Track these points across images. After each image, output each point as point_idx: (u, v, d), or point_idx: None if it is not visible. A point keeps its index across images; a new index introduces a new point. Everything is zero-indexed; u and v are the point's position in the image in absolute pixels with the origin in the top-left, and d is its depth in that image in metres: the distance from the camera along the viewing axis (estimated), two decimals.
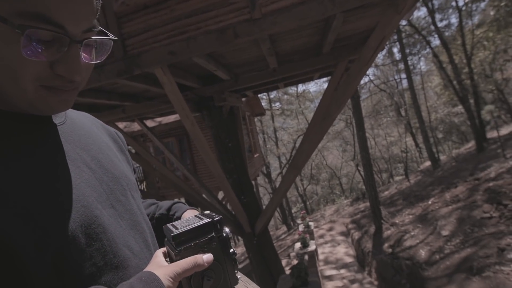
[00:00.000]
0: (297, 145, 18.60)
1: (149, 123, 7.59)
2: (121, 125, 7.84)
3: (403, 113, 16.60)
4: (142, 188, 9.16)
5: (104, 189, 0.47)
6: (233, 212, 4.74)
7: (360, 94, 12.01)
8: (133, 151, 8.54)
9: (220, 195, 9.71)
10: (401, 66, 16.27)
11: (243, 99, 7.11)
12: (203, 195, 5.95)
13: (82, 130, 0.52)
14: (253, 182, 10.49)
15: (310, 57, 4.16)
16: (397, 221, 8.00)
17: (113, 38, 0.44)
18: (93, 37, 0.40)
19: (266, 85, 5.57)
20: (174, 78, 3.17)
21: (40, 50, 0.35)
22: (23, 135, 0.42)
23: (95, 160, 0.49)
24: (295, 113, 19.65)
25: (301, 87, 19.08)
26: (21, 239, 0.34)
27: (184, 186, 5.67)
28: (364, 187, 13.54)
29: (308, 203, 23.01)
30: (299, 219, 11.75)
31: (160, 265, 0.42)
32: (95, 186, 0.46)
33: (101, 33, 0.42)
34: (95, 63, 0.44)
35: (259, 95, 11.89)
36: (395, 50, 18.05)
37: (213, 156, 3.81)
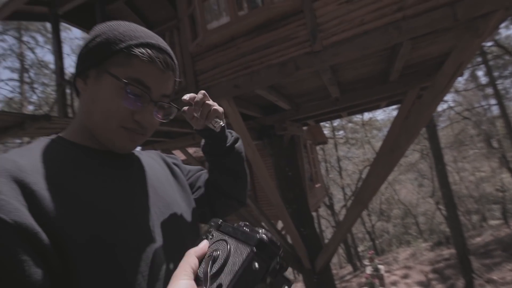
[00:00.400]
0: (364, 176, 17.33)
1: None
2: (190, 150, 8.58)
3: (495, 144, 14.10)
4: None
5: (155, 211, 0.57)
6: (292, 244, 4.57)
7: (437, 122, 10.73)
8: None
9: (280, 224, 9.51)
10: (489, 90, 14.15)
11: (304, 127, 7.10)
12: (262, 223, 5.93)
13: (147, 166, 0.66)
14: (314, 214, 10.04)
15: (375, 85, 3.98)
16: (495, 278, 6.55)
17: (177, 107, 0.64)
18: (163, 102, 0.58)
19: (328, 114, 5.49)
20: (238, 108, 3.39)
21: (131, 101, 0.53)
22: (110, 162, 0.57)
23: (152, 187, 0.61)
24: (360, 142, 18.56)
25: (367, 115, 18.15)
26: (79, 235, 0.42)
27: (243, 212, 5.77)
28: (447, 229, 11.62)
29: (377, 242, 20.70)
30: (367, 260, 10.59)
31: None
32: (149, 208, 0.57)
33: (172, 101, 0.62)
34: (161, 121, 0.61)
35: (321, 123, 11.71)
36: (480, 73, 15.90)
37: (272, 184, 3.83)
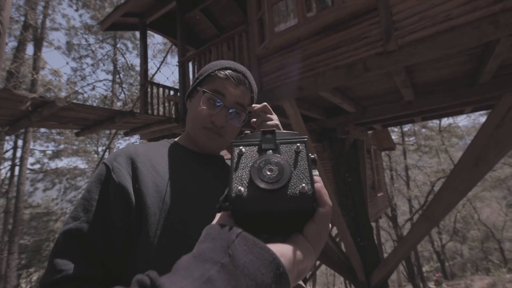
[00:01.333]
0: (436, 189, 15.36)
1: None
2: None
3: None
4: None
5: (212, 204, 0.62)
6: (347, 254, 4.34)
7: None
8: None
9: (334, 230, 9.10)
10: None
11: (370, 132, 6.63)
12: None
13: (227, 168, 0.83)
14: (373, 224, 9.36)
15: (459, 87, 3.48)
16: None
17: (247, 113, 0.76)
18: (234, 110, 0.72)
19: (398, 119, 5.01)
20: (300, 109, 3.35)
21: (209, 105, 0.71)
22: (201, 160, 0.76)
23: (223, 185, 0.72)
24: (435, 151, 16.46)
25: (446, 120, 16.00)
26: (151, 201, 0.61)
27: None
28: None
29: (446, 264, 18.18)
30: (432, 283, 9.41)
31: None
32: (207, 198, 0.68)
33: (245, 110, 0.76)
34: (234, 124, 0.74)
35: (389, 128, 10.77)
36: None
37: (330, 190, 3.69)
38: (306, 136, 0.35)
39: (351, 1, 2.60)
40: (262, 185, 0.29)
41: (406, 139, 16.80)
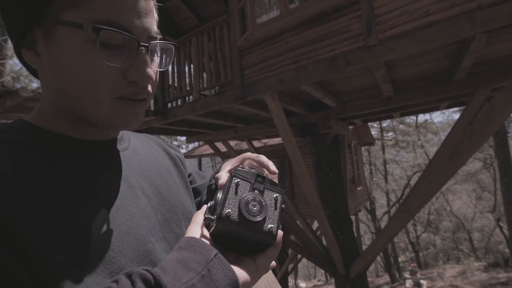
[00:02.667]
0: (412, 183, 16.02)
1: (256, 143, 8.17)
2: (232, 143, 8.75)
3: None
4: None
5: (158, 219, 0.44)
6: (327, 247, 4.40)
7: (508, 129, 9.39)
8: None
9: (315, 225, 9.27)
10: None
11: (350, 127, 6.75)
12: (297, 221, 5.82)
13: (143, 156, 0.51)
14: (353, 218, 9.61)
15: (436, 84, 3.57)
16: None
17: (173, 43, 0.44)
18: (156, 42, 0.40)
19: (378, 114, 5.11)
20: (282, 104, 3.31)
21: (112, 55, 0.36)
22: (86, 158, 0.40)
23: (153, 187, 0.47)
24: (412, 146, 17.13)
25: (422, 117, 16.65)
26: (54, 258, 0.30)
27: None
28: (507, 250, 10.22)
29: (421, 254, 19.12)
30: (407, 273, 9.85)
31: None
32: (150, 216, 0.43)
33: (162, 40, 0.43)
34: (160, 70, 0.44)
35: (369, 123, 11.04)
36: None
37: (311, 184, 3.70)
38: (284, 191, 0.42)
39: None
40: (245, 215, 0.36)
41: (385, 134, 17.36)
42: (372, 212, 16.24)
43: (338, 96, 4.01)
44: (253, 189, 0.40)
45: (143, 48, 0.38)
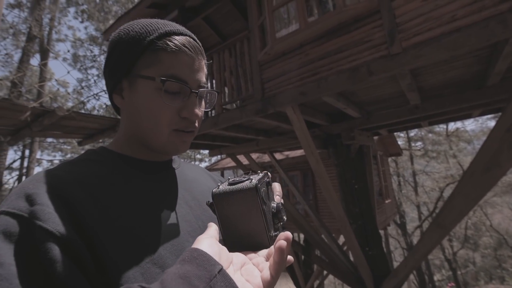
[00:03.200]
0: (445, 195, 15.06)
1: (278, 156, 8.13)
2: (254, 155, 8.77)
3: None
4: None
5: (199, 225, 0.55)
6: (355, 264, 4.20)
7: None
8: None
9: (341, 239, 8.94)
10: None
11: (375, 137, 6.55)
12: (322, 236, 5.64)
13: (189, 176, 0.65)
14: (381, 232, 9.15)
15: (467, 90, 3.39)
16: None
17: (216, 91, 0.61)
18: (204, 90, 0.55)
19: (404, 124, 4.92)
20: (303, 115, 3.29)
21: (172, 99, 0.51)
22: (159, 173, 0.57)
23: (195, 200, 0.59)
24: (443, 156, 16.21)
25: (453, 125, 15.78)
26: (114, 250, 0.40)
27: (303, 222, 5.58)
28: None
29: (459, 272, 17.68)
30: None
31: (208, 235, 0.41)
32: (191, 221, 0.54)
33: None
34: (206, 110, 0.59)
35: (395, 133, 10.62)
36: None
37: (336, 197, 3.59)
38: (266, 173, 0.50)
39: (352, 5, 2.56)
40: (230, 183, 0.44)
41: (413, 144, 16.60)
42: (402, 226, 15.38)
43: (362, 106, 3.92)
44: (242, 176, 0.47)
45: (194, 94, 0.52)
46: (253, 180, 0.43)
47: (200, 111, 0.55)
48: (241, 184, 0.42)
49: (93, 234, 0.39)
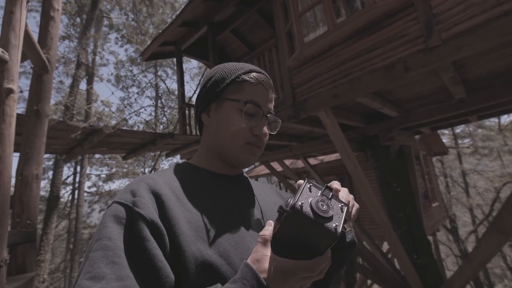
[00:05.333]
0: (502, 196, 13.56)
1: (312, 161, 7.97)
2: (287, 162, 8.70)
3: None
4: None
5: (259, 228, 0.62)
6: (402, 273, 3.93)
7: None
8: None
9: (385, 246, 8.44)
10: None
11: (417, 136, 6.15)
12: (364, 243, 5.36)
13: (258, 189, 0.75)
14: (430, 238, 8.48)
15: None
16: None
17: (280, 119, 0.73)
18: (272, 115, 0.68)
19: (448, 120, 4.56)
20: (337, 118, 3.21)
21: (249, 118, 0.64)
22: (229, 184, 0.68)
23: (258, 209, 0.68)
24: (496, 152, 14.68)
25: (506, 117, 14.27)
26: (187, 239, 0.49)
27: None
28: None
29: None
30: None
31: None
32: (252, 225, 0.62)
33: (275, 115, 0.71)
34: (271, 133, 0.71)
35: (439, 131, 9.86)
36: None
37: (377, 201, 3.41)
38: (347, 204, 0.51)
39: (383, 0, 2.47)
40: (315, 209, 0.43)
41: (460, 141, 15.27)
42: (453, 231, 14.09)
43: (399, 104, 3.72)
44: (322, 195, 0.48)
45: (265, 117, 0.66)
46: (337, 226, 0.43)
47: (267, 131, 0.67)
48: (326, 221, 0.43)
49: (174, 224, 0.50)
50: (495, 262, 16.29)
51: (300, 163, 8.49)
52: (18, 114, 2.02)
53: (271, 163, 6.00)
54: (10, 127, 1.35)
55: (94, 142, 3.23)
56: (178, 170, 0.66)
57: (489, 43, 2.02)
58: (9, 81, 1.41)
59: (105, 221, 0.48)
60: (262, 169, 9.70)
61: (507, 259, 15.57)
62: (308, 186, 0.48)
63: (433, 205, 7.96)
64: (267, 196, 0.75)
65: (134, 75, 15.19)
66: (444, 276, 7.39)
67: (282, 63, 3.44)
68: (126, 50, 18.64)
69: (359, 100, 2.90)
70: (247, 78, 0.65)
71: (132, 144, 3.85)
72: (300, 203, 0.43)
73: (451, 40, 2.14)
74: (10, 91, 1.40)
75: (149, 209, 0.49)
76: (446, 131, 14.48)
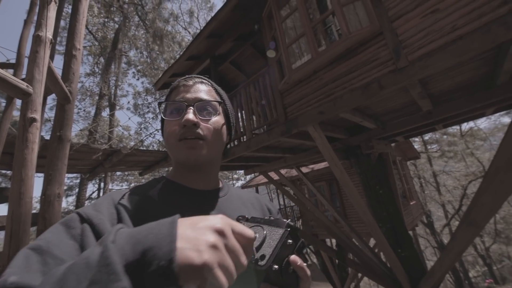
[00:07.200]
0: (468, 192, 13.45)
1: (304, 169, 7.90)
2: (283, 171, 8.62)
3: None
4: (298, 226, 9.27)
5: None
6: (388, 265, 3.78)
7: None
8: (291, 192, 9.02)
9: (372, 242, 8.23)
10: None
11: (393, 144, 6.13)
12: (353, 240, 5.21)
13: (234, 203, 0.61)
14: (411, 233, 8.29)
15: (478, 91, 3.08)
16: None
17: (218, 100, 0.59)
18: (200, 102, 0.57)
19: (419, 129, 4.56)
20: (324, 132, 3.18)
21: (174, 114, 0.56)
22: (193, 198, 0.56)
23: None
24: (460, 155, 14.68)
25: (466, 125, 14.36)
26: None
27: (333, 228, 5.23)
28: None
29: (495, 268, 15.22)
30: None
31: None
32: None
33: (213, 102, 0.59)
34: (208, 119, 0.57)
35: (411, 139, 9.87)
36: None
37: (363, 203, 3.33)
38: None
39: (356, 31, 2.51)
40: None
41: (429, 147, 15.30)
42: (430, 225, 13.85)
43: (377, 117, 3.72)
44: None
45: (190, 107, 0.55)
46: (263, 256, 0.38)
47: (195, 117, 0.54)
48: (275, 229, 0.40)
49: None
50: (467, 250, 15.91)
51: (294, 172, 8.41)
52: (44, 139, 1.97)
53: (269, 173, 5.93)
54: (33, 152, 1.30)
55: (114, 162, 3.17)
56: (150, 186, 0.56)
57: (448, 63, 2.03)
58: (32, 111, 1.38)
59: (53, 225, 0.42)
60: (261, 179, 9.59)
61: (478, 247, 15.22)
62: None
63: (411, 203, 7.84)
64: (245, 204, 0.63)
65: (150, 103, 15.32)
66: (425, 266, 7.18)
67: (274, 87, 3.46)
68: (142, 82, 18.88)
69: (342, 115, 2.88)
70: (172, 87, 0.59)
71: (147, 162, 3.79)
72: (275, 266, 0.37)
73: (417, 62, 2.15)
74: (33, 120, 1.36)
75: (102, 222, 0.42)
76: (416, 139, 14.51)
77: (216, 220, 0.30)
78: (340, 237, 5.11)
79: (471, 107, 3.15)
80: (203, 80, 0.61)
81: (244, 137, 4.01)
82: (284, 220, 0.42)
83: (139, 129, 14.95)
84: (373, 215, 3.85)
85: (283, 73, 3.36)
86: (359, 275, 10.15)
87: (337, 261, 9.05)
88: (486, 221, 2.93)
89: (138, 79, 14.30)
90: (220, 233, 0.28)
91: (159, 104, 0.59)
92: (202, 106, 0.57)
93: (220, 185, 0.64)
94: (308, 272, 0.40)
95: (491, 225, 15.57)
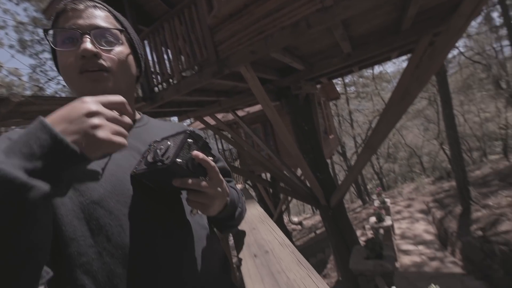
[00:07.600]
0: (373, 126, 16.53)
1: (240, 113, 8.02)
2: (219, 115, 8.56)
3: (503, 85, 12.29)
4: (237, 165, 9.93)
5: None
6: (310, 187, 4.60)
7: (447, 69, 9.48)
8: (229, 135, 9.22)
9: (299, 172, 9.65)
10: (503, 32, 11.99)
11: (318, 86, 6.66)
12: (284, 171, 5.99)
13: (152, 132, 0.59)
14: (328, 161, 9.95)
15: (387, 36, 3.47)
16: (490, 203, 6.24)
17: (118, 28, 0.53)
18: (97, 30, 0.50)
19: (340, 71, 5.02)
20: (256, 73, 3.17)
21: (67, 45, 0.48)
22: None
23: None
24: (370, 95, 17.33)
25: (377, 69, 16.58)
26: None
27: (268, 164, 5.83)
28: (449, 166, 11.04)
29: (384, 180, 20.50)
30: (375, 196, 10.60)
31: None
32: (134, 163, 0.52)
33: (112, 29, 0.52)
34: (109, 49, 0.51)
35: (334, 81, 10.89)
36: (495, 14, 13.33)
37: (291, 139, 3.72)
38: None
39: None
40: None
41: (348, 89, 17.37)
42: (343, 154, 16.91)
43: (305, 59, 3.87)
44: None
45: (85, 35, 0.48)
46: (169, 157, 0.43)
47: (94, 47, 0.48)
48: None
49: None
50: (367, 170, 20.62)
51: (230, 116, 8.46)
52: None
53: (205, 118, 5.80)
54: None
55: (3, 113, 2.49)
56: None
57: (367, 5, 2.16)
58: None
59: None
60: (198, 124, 9.37)
61: (374, 167, 19.77)
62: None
63: (330, 137, 9.21)
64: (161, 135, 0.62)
65: (43, 38, 11.67)
66: (337, 184, 9.05)
67: (202, 21, 3.07)
68: (25, 9, 13.72)
69: (273, 55, 2.87)
70: (56, 11, 0.48)
71: (52, 112, 3.12)
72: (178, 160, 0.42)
73: (341, 1, 2.21)
74: None
75: None
76: (338, 81, 16.14)
77: (84, 105, 0.33)
78: (274, 170, 5.78)
79: (380, 50, 3.58)
80: (97, 4, 0.51)
81: (173, 79, 3.66)
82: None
83: (34, 73, 11.69)
84: (299, 148, 4.39)
85: (212, 6, 2.98)
86: (289, 198, 12.12)
87: (271, 190, 10.45)
88: (379, 144, 3.74)
89: (17, 4, 10.37)
90: (94, 114, 0.32)
91: (45, 31, 0.47)
92: (100, 34, 0.50)
93: (138, 117, 0.62)
94: (212, 163, 0.45)
95: (385, 149, 20.12)
